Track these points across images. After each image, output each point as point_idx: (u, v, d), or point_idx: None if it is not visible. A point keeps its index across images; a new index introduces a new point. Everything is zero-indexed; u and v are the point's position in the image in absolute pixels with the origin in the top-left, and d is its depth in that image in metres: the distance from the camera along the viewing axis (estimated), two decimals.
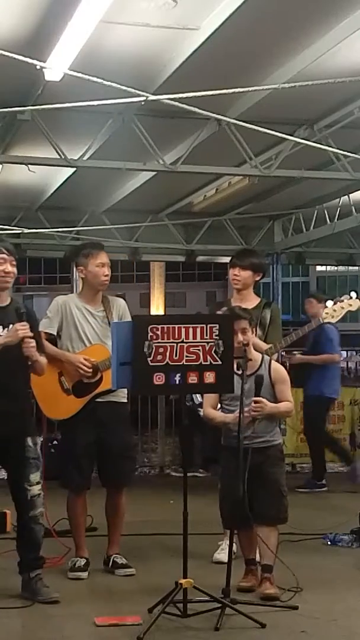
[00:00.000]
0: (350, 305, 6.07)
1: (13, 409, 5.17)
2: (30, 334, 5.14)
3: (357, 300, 6.07)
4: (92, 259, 5.86)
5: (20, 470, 5.24)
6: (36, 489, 5.25)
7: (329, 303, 6.14)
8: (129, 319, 5.72)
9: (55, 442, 8.25)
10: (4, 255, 5.27)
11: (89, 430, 5.75)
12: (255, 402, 5.21)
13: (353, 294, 6.11)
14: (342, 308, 6.07)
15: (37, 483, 5.26)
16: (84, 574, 5.71)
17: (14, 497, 5.31)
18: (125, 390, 5.82)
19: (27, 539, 5.31)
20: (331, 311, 6.09)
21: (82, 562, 5.78)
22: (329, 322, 6.18)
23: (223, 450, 5.45)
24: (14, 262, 5.32)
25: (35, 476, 5.25)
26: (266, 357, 5.52)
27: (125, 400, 5.92)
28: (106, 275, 5.88)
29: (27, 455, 5.24)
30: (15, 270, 5.32)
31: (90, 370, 5.74)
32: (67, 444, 5.85)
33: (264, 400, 5.26)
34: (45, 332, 5.76)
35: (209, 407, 5.47)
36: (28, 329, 5.15)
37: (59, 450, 5.60)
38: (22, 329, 5.13)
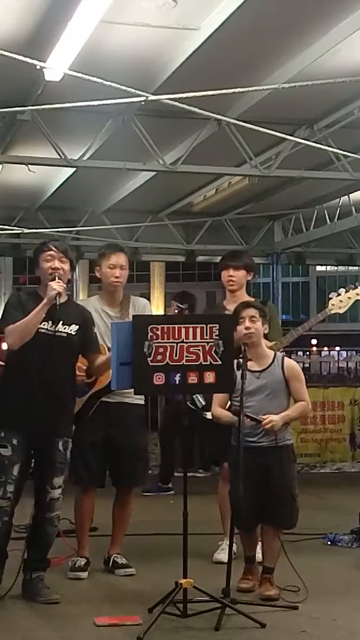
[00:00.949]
0: (358, 294, 5.96)
1: (52, 409, 5.17)
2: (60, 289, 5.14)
3: None
4: (105, 260, 5.88)
5: (45, 472, 5.24)
6: (57, 493, 5.24)
7: (333, 294, 6.03)
8: None
9: None
10: (52, 252, 5.26)
11: (97, 429, 5.76)
12: (265, 423, 5.14)
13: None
14: (349, 298, 5.94)
15: (59, 487, 5.25)
16: (84, 574, 5.71)
17: (35, 494, 5.31)
18: None
19: (37, 539, 5.31)
20: (337, 302, 5.96)
21: (83, 562, 5.78)
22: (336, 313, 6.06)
23: (232, 450, 5.37)
24: (64, 259, 5.29)
25: (58, 480, 5.24)
26: (279, 354, 5.44)
27: (139, 402, 5.90)
28: (116, 277, 5.86)
29: (54, 458, 5.24)
30: (65, 267, 5.29)
31: (83, 374, 5.74)
32: (76, 442, 5.89)
33: (271, 416, 5.17)
34: None
35: (218, 406, 5.43)
36: (61, 285, 5.16)
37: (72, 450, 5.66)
38: (56, 283, 5.14)
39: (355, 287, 5.99)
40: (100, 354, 5.45)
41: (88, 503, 5.88)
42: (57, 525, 5.34)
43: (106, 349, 5.62)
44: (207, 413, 5.94)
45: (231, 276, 6.12)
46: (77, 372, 5.69)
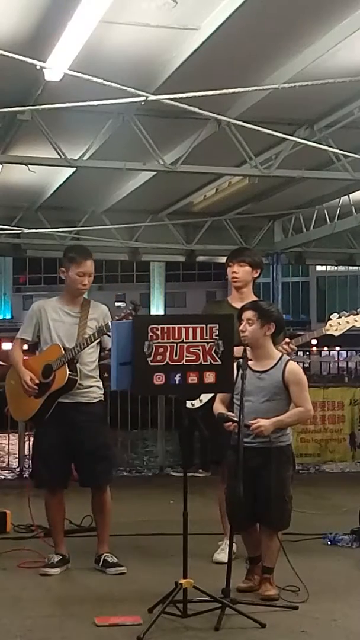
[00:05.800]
0: (356, 320, 5.86)
1: None
2: None
3: None
4: (75, 266, 5.83)
5: None
6: None
7: (334, 315, 5.97)
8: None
9: None
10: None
11: (56, 431, 5.77)
12: (253, 428, 5.08)
13: None
14: (347, 322, 5.87)
15: None
16: (53, 570, 5.71)
17: None
18: (96, 390, 5.85)
19: None
20: (335, 324, 5.87)
21: (56, 558, 5.81)
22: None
23: (229, 449, 5.34)
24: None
25: None
26: (285, 357, 5.38)
27: (95, 400, 5.87)
28: (84, 285, 5.84)
29: None
30: None
31: (35, 388, 5.78)
32: (35, 444, 5.99)
33: (261, 421, 5.12)
34: (22, 338, 5.93)
35: (219, 402, 5.42)
36: None
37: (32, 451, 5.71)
38: None
39: (357, 313, 5.90)
40: None
41: (56, 503, 5.89)
42: None
43: (62, 348, 5.70)
44: (187, 402, 5.89)
45: (235, 272, 6.08)
46: (26, 387, 5.77)
